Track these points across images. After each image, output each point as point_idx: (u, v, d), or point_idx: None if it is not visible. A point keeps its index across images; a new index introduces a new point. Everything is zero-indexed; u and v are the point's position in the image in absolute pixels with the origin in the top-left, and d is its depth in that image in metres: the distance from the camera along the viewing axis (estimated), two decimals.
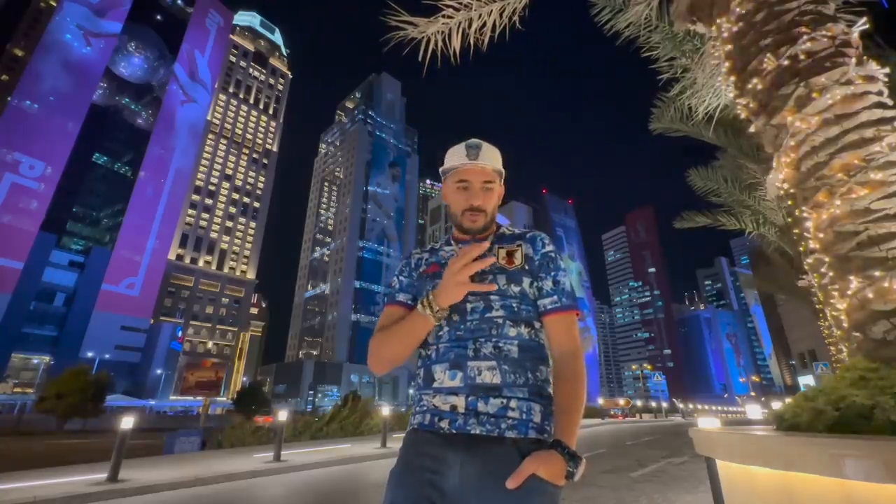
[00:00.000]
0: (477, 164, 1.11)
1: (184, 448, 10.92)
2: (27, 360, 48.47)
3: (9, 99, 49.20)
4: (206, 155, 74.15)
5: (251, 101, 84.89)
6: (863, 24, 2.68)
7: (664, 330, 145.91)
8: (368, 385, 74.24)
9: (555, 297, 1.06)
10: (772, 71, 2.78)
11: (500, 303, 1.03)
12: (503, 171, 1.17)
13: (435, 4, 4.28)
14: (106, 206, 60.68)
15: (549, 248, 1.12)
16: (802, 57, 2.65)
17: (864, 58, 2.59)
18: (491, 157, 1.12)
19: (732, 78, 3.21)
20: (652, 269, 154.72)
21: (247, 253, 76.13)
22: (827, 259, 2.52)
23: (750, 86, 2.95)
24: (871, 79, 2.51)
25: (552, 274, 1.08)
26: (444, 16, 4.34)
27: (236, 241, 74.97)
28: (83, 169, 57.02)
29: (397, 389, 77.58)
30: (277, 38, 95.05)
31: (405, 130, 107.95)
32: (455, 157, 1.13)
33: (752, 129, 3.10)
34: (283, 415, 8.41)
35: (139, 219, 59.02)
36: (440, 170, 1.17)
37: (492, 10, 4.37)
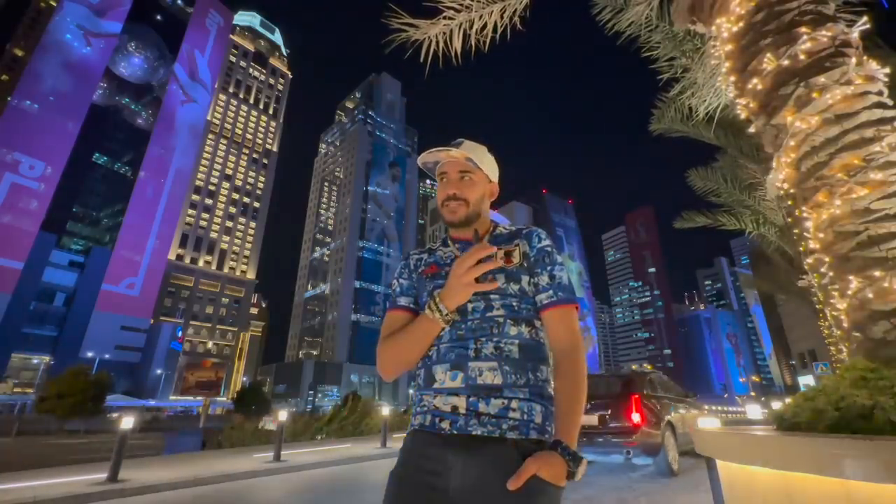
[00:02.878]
0: (448, 153, 1.11)
1: (184, 448, 10.92)
2: (27, 360, 48.48)
3: (9, 99, 49.21)
4: (206, 155, 74.15)
5: (251, 101, 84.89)
6: (863, 24, 2.68)
7: (664, 330, 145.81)
8: (368, 385, 74.24)
9: (551, 292, 1.05)
10: (772, 71, 2.78)
11: (500, 302, 1.02)
12: (482, 161, 1.13)
13: (436, 6, 4.28)
14: (106, 206, 60.68)
15: (546, 242, 1.11)
16: (802, 57, 2.65)
17: (864, 58, 2.59)
18: (467, 149, 1.11)
19: (732, 78, 3.21)
20: (652, 269, 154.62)
21: (247, 253, 76.14)
22: (827, 259, 2.52)
23: (750, 86, 2.95)
24: (871, 79, 2.51)
25: (549, 269, 1.07)
26: (445, 17, 4.34)
27: (236, 241, 74.98)
28: (83, 169, 57.01)
29: (397, 389, 77.55)
30: (277, 38, 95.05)
31: (405, 130, 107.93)
32: (428, 154, 1.13)
33: (752, 129, 3.10)
34: (282, 415, 8.42)
35: (139, 219, 59.03)
36: (419, 166, 1.16)
37: (493, 12, 4.37)
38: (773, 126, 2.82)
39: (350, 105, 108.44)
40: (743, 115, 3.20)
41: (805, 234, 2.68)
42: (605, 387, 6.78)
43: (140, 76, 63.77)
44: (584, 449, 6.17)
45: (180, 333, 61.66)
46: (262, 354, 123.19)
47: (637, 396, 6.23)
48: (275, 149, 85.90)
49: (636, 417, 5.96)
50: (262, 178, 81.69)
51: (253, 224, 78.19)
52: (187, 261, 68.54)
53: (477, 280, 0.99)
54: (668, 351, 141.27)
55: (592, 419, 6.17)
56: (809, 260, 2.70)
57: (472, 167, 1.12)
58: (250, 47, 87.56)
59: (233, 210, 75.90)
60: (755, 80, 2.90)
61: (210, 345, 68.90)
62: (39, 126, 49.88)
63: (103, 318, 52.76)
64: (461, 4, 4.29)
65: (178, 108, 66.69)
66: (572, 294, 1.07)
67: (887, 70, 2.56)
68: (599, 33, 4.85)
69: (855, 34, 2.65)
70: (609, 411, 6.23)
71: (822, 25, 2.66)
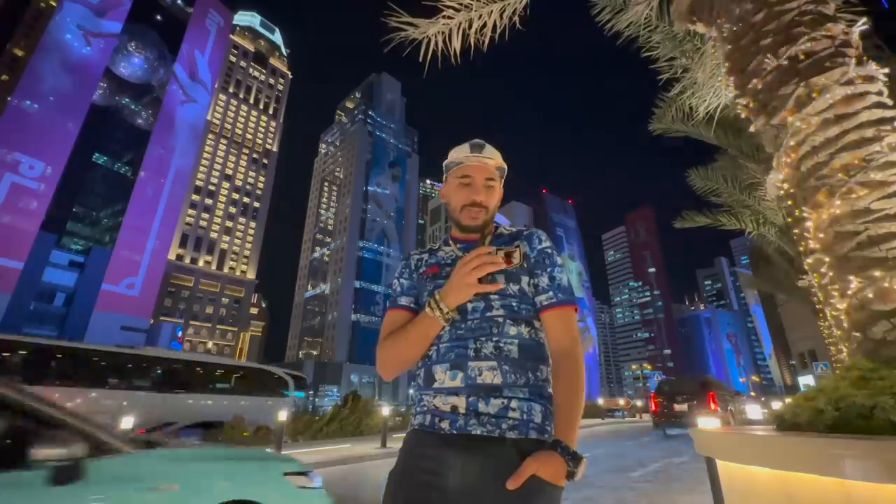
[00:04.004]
0: (480, 159, 1.12)
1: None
2: None
3: (9, 99, 49.22)
4: (206, 155, 74.19)
5: (251, 101, 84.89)
6: (863, 24, 2.68)
7: (664, 330, 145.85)
8: (368, 385, 74.23)
9: (551, 293, 1.05)
10: (772, 71, 2.78)
11: (499, 302, 1.02)
12: (505, 168, 1.18)
13: (435, 5, 4.28)
14: (106, 206, 60.73)
15: (546, 244, 1.12)
16: (802, 57, 2.65)
17: (864, 58, 2.59)
18: (496, 157, 1.14)
19: (732, 78, 3.21)
20: (652, 269, 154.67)
21: (247, 253, 76.14)
22: (827, 259, 2.52)
23: (750, 86, 2.95)
24: (871, 79, 2.51)
25: (548, 270, 1.08)
26: (444, 16, 4.34)
27: (236, 241, 74.97)
28: (83, 169, 57.07)
29: (397, 389, 77.56)
30: (277, 38, 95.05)
31: (405, 130, 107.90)
32: (458, 153, 1.14)
33: (752, 129, 3.10)
34: (282, 415, 8.42)
35: (139, 219, 59.01)
36: (444, 164, 1.17)
37: (492, 11, 4.37)
38: (773, 126, 2.82)
39: (350, 105, 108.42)
40: (743, 115, 3.20)
41: (805, 234, 2.68)
42: (690, 387, 10.98)
43: (140, 76, 63.74)
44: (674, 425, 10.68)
45: (180, 333, 61.67)
46: (262, 354, 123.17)
47: (712, 393, 10.33)
48: (275, 149, 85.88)
49: (713, 406, 9.94)
50: (262, 178, 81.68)
51: (253, 224, 78.17)
52: (187, 261, 68.54)
53: (480, 281, 1.00)
54: (668, 351, 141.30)
55: (684, 407, 10.61)
56: (809, 260, 2.70)
57: (496, 176, 1.15)
58: (250, 47, 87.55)
59: (233, 210, 75.89)
60: (755, 80, 2.90)
61: (210, 345, 68.88)
62: (39, 126, 49.89)
63: (103, 318, 52.74)
64: (460, 4, 4.29)
65: (178, 108, 66.65)
66: (571, 296, 1.08)
67: (887, 70, 2.56)
68: (600, 33, 4.85)
69: (855, 34, 2.65)
70: (695, 402, 10.39)
71: (822, 25, 2.66)
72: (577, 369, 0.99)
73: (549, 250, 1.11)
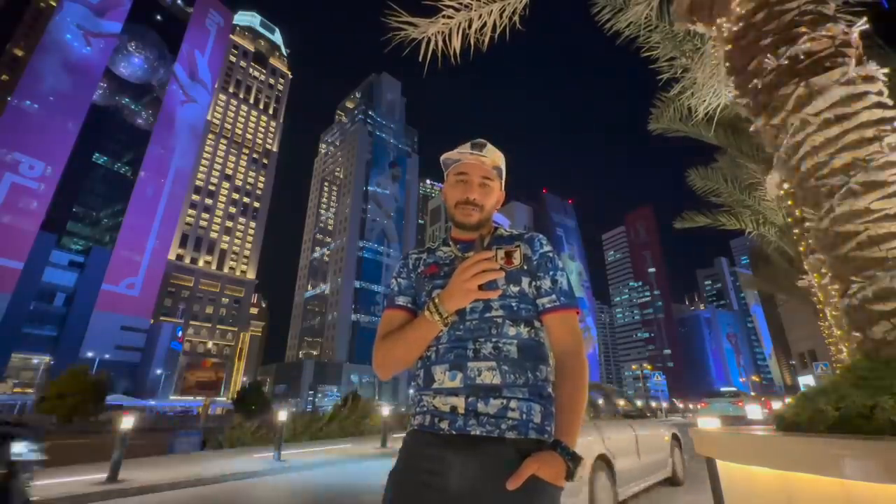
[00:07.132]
0: (478, 157, 1.11)
1: (184, 448, 10.93)
2: (27, 360, 48.47)
3: (9, 99, 49.20)
4: (206, 155, 74.17)
5: (251, 101, 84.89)
6: (863, 24, 2.68)
7: (664, 330, 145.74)
8: (368, 385, 74.22)
9: (553, 297, 1.06)
10: (772, 71, 2.78)
11: (499, 302, 1.02)
12: (504, 171, 1.17)
13: (435, 5, 4.28)
14: (106, 206, 60.72)
15: (547, 248, 1.12)
16: (802, 57, 2.65)
17: (864, 58, 2.59)
18: (492, 155, 1.12)
19: (732, 78, 3.21)
20: (652, 269, 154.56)
21: (247, 253, 76.14)
22: (827, 259, 2.52)
23: (750, 86, 2.95)
24: (871, 79, 2.50)
25: (550, 273, 1.08)
26: (444, 16, 4.34)
27: (236, 241, 74.98)
28: (83, 169, 57.05)
29: (397, 389, 77.55)
30: (277, 38, 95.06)
31: (405, 130, 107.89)
32: (456, 152, 1.14)
33: (752, 129, 3.10)
34: (282, 415, 8.42)
35: (139, 219, 59.03)
36: (441, 159, 1.16)
37: (492, 11, 4.37)
38: (773, 126, 2.82)
39: (350, 105, 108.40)
40: (743, 115, 3.19)
41: (805, 234, 2.68)
42: None
43: (140, 76, 63.73)
44: None
45: (180, 333, 61.65)
46: (262, 354, 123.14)
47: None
48: (275, 149, 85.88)
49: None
50: (262, 178, 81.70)
51: (253, 224, 78.20)
52: (187, 261, 68.54)
53: (480, 287, 0.99)
54: (667, 351, 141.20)
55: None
56: (809, 260, 2.70)
57: (494, 175, 1.13)
58: (250, 47, 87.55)
59: (233, 210, 75.90)
60: (755, 80, 2.90)
61: (210, 345, 68.91)
62: (39, 126, 49.88)
63: (103, 318, 52.76)
64: (460, 3, 4.28)
65: (178, 108, 66.66)
66: (573, 299, 1.08)
67: (887, 70, 2.55)
68: (600, 33, 4.84)
69: (855, 34, 2.65)
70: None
71: (822, 25, 2.66)
72: (580, 372, 0.99)
73: (551, 254, 1.11)
